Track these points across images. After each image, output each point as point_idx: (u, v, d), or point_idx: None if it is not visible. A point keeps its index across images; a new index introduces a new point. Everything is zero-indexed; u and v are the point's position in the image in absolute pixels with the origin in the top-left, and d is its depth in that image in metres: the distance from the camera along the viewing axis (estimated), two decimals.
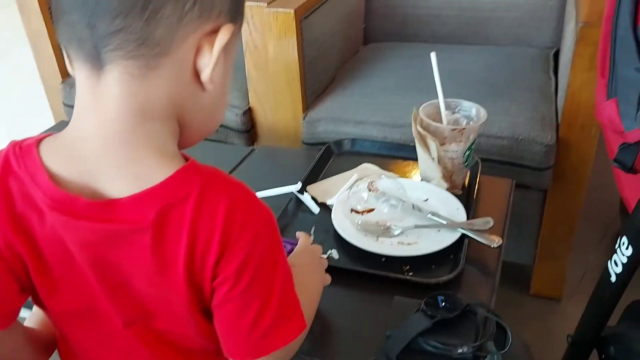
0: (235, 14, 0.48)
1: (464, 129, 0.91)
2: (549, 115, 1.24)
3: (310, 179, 1.01)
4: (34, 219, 0.47)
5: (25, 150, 0.47)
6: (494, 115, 1.24)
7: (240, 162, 1.12)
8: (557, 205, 1.27)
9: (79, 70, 0.46)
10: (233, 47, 0.50)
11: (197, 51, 0.46)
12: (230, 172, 1.08)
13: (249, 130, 1.39)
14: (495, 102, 1.28)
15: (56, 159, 0.47)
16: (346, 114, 1.30)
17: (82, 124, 0.47)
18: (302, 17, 1.27)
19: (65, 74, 1.55)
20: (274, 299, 0.49)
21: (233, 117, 1.36)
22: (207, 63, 0.46)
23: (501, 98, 1.28)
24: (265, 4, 1.25)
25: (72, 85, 1.54)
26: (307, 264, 0.70)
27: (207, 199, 0.45)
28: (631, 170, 0.66)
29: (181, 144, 0.50)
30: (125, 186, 0.45)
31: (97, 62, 0.44)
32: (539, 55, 1.48)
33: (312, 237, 0.87)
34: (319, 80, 1.40)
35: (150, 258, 0.46)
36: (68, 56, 0.47)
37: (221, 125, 1.38)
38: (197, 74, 0.47)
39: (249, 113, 1.37)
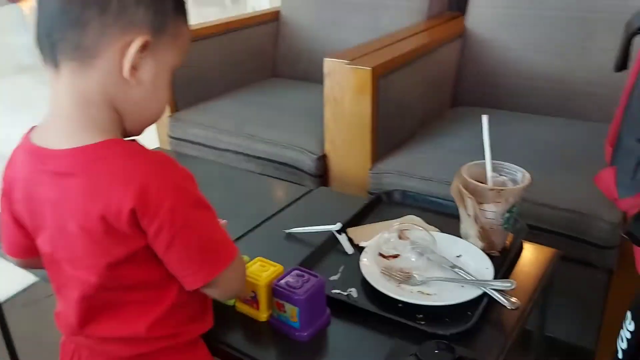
0: (158, 29, 0.62)
1: (502, 190, 0.92)
2: None
3: (353, 222, 1.06)
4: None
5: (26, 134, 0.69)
6: (562, 187, 1.22)
7: (297, 199, 1.20)
8: (621, 288, 1.18)
9: (48, 70, 0.63)
10: (163, 55, 0.64)
11: (122, 55, 0.61)
12: (286, 207, 1.16)
13: (322, 175, 1.48)
14: (566, 174, 1.25)
15: (36, 132, 0.67)
16: (412, 169, 1.34)
17: (50, 107, 0.65)
18: (381, 76, 1.35)
19: (172, 109, 1.76)
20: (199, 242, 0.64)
21: (307, 161, 1.46)
22: (126, 63, 0.61)
23: (574, 171, 1.25)
24: (348, 61, 1.35)
25: (176, 120, 1.74)
26: None
27: (125, 164, 0.61)
28: None
29: (128, 131, 0.66)
30: (67, 145, 0.63)
31: (54, 63, 0.62)
32: None
33: (339, 275, 0.92)
34: (393, 135, 1.46)
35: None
36: (43, 60, 0.63)
37: (296, 168, 1.49)
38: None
39: (323, 159, 1.46)
